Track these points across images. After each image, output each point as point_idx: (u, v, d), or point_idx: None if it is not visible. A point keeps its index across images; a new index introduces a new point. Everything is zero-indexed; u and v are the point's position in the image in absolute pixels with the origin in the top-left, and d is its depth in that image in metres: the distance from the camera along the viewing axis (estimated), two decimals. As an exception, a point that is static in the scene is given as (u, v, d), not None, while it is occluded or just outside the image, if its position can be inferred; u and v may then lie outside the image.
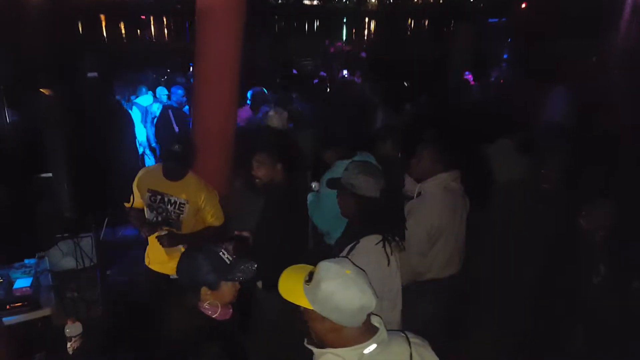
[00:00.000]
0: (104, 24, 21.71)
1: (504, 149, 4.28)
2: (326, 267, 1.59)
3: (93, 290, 3.53)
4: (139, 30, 22.17)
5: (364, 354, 1.56)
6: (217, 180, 3.58)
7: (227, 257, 1.98)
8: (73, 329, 2.85)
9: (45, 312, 3.25)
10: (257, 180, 3.30)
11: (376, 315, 1.66)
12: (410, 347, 1.67)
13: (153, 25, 22.96)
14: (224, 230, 3.36)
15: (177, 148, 3.11)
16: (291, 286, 1.66)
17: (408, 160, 3.35)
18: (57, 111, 2.57)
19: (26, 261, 3.68)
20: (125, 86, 7.19)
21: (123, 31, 21.23)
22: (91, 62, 4.96)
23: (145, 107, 7.08)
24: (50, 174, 3.33)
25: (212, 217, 3.34)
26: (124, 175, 3.35)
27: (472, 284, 3.36)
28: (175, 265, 3.33)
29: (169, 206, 3.26)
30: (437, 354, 1.72)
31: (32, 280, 3.37)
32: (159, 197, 3.26)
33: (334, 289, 1.53)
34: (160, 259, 3.39)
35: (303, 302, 1.60)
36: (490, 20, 15.03)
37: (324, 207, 3.40)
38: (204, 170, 3.50)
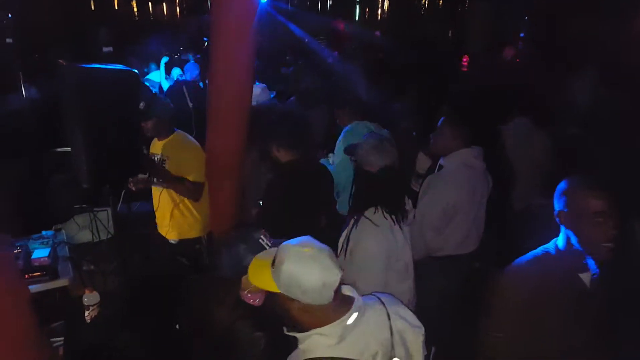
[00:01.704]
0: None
1: (522, 127, 4.21)
2: (285, 249, 1.57)
3: (109, 263, 3.58)
4: (150, 5, 21.97)
5: (347, 325, 1.56)
6: (232, 154, 3.60)
7: (266, 243, 1.95)
8: (91, 298, 2.89)
9: (64, 282, 3.30)
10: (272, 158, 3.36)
11: (346, 284, 1.67)
12: (385, 307, 1.68)
13: (165, 1, 22.71)
14: (198, 190, 3.53)
15: (141, 106, 3.36)
16: (259, 272, 1.64)
17: (422, 137, 3.34)
18: (75, 80, 2.59)
19: (43, 232, 3.73)
20: (138, 62, 7.20)
21: (135, 7, 21.03)
22: (106, 37, 4.96)
23: (157, 82, 7.10)
24: (66, 149, 3.37)
25: (190, 175, 3.50)
26: (141, 147, 3.41)
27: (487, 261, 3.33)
28: (170, 230, 3.59)
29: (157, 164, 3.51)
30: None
31: (50, 251, 3.42)
32: (151, 157, 3.55)
33: (295, 269, 1.51)
34: (158, 222, 3.72)
35: (271, 286, 1.58)
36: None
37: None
38: (219, 144, 3.54)
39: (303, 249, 1.55)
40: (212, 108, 3.71)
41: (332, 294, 1.53)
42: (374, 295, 1.75)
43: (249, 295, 1.96)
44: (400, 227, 2.51)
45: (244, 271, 1.86)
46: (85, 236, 3.92)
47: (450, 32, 13.12)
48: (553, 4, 9.99)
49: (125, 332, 2.79)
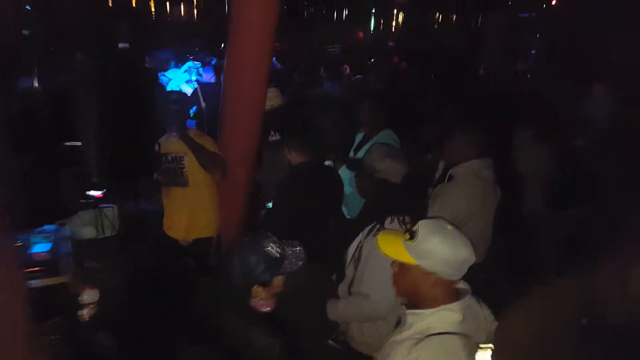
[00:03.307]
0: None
1: (523, 138, 4.23)
2: (430, 224, 1.65)
3: (113, 260, 3.52)
4: (168, 5, 22.16)
5: (467, 305, 1.64)
6: (243, 155, 3.58)
7: (276, 251, 1.95)
8: (89, 296, 2.84)
9: (62, 278, 3.23)
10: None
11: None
12: (472, 295, 1.74)
13: (183, 2, 22.94)
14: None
15: (173, 95, 3.50)
16: (392, 245, 1.70)
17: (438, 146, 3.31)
18: (91, 73, 2.59)
19: (45, 227, 3.67)
20: (154, 59, 7.24)
21: (152, 6, 21.21)
22: (123, 33, 4.96)
23: (171, 79, 7.17)
24: (76, 143, 3.34)
25: None
26: (154, 144, 3.39)
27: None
28: (184, 231, 3.53)
29: (174, 163, 3.42)
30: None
31: (52, 247, 3.36)
32: (164, 157, 3.43)
33: (441, 243, 1.58)
34: (168, 223, 3.61)
35: (406, 258, 1.64)
36: (520, 14, 14.65)
37: None
38: (231, 145, 3.56)
39: (446, 225, 1.65)
40: (226, 110, 3.68)
41: (465, 271, 1.62)
42: None
43: (261, 302, 1.99)
44: None
45: (255, 281, 1.94)
46: (89, 232, 3.86)
47: (462, 45, 13.16)
48: (565, 22, 10.03)
49: (125, 333, 2.75)
